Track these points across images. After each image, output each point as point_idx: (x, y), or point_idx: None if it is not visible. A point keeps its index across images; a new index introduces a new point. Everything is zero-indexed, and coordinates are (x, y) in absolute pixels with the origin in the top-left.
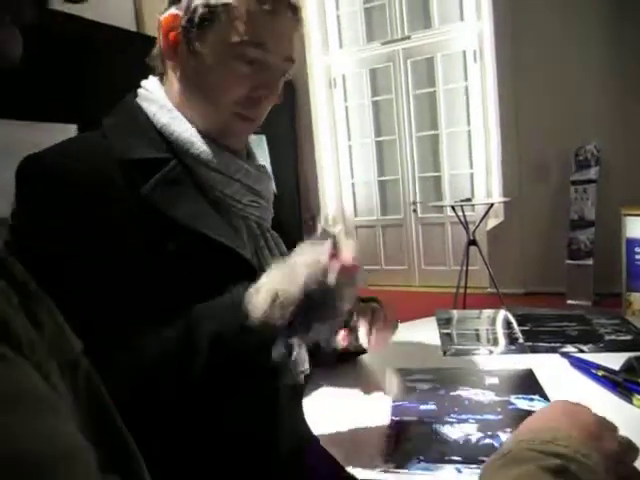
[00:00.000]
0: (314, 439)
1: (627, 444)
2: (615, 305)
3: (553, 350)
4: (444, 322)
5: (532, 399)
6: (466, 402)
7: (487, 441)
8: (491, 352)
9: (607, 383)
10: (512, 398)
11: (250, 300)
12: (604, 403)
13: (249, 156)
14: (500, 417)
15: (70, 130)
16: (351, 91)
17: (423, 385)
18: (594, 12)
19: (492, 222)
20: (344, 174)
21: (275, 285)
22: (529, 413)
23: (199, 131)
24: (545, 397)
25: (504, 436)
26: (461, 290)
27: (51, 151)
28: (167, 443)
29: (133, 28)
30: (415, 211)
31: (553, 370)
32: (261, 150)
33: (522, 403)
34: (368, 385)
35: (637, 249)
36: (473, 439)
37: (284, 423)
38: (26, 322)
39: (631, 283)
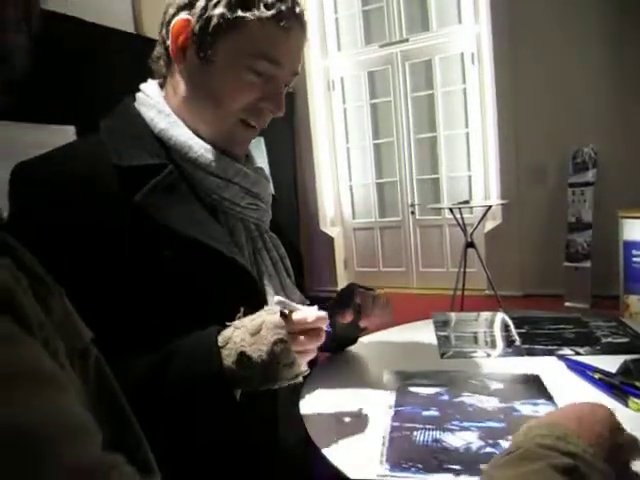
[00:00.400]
0: (311, 441)
1: (633, 442)
2: (613, 307)
3: (550, 353)
4: (441, 325)
5: (536, 404)
6: (470, 409)
7: (488, 449)
8: (489, 355)
9: (603, 386)
10: (516, 404)
11: (219, 352)
12: None
13: (247, 159)
14: (503, 425)
15: (68, 132)
16: (349, 93)
17: (427, 390)
18: (592, 14)
19: (490, 224)
20: (342, 176)
21: (242, 346)
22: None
23: (200, 137)
24: (552, 401)
25: (506, 444)
26: (459, 292)
27: (45, 157)
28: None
29: (131, 30)
30: (413, 213)
31: (550, 373)
32: (259, 152)
33: (526, 409)
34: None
35: (634, 251)
36: (474, 447)
37: (283, 424)
38: (35, 304)
39: (628, 285)
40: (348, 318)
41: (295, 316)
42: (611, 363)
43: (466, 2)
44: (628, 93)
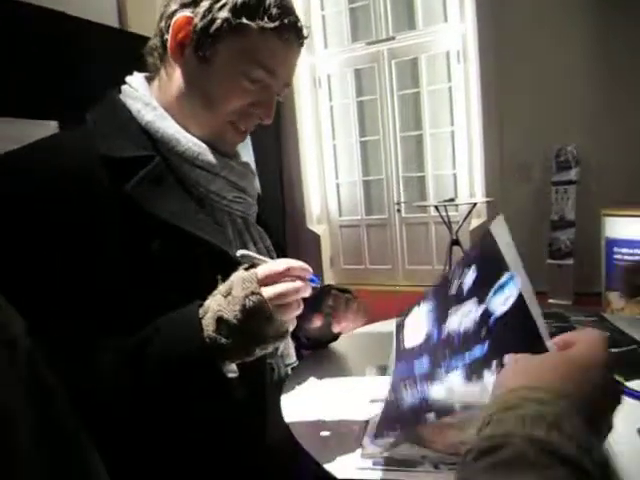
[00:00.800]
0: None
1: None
2: (595, 304)
3: None
4: None
5: (502, 286)
6: (455, 340)
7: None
8: None
9: None
10: (489, 301)
11: (199, 323)
12: None
13: (234, 154)
14: (485, 349)
15: (51, 126)
16: (336, 91)
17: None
18: (577, 14)
19: (475, 222)
20: (328, 174)
21: (219, 311)
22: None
23: (189, 133)
24: (508, 269)
25: (488, 375)
26: None
27: (29, 148)
28: (146, 441)
29: (115, 24)
30: (399, 211)
31: None
32: (246, 149)
33: (497, 301)
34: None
35: (616, 249)
36: (457, 391)
37: (271, 415)
38: None
39: (610, 282)
40: (317, 323)
41: (261, 270)
42: None
43: (452, 1)
44: (611, 92)
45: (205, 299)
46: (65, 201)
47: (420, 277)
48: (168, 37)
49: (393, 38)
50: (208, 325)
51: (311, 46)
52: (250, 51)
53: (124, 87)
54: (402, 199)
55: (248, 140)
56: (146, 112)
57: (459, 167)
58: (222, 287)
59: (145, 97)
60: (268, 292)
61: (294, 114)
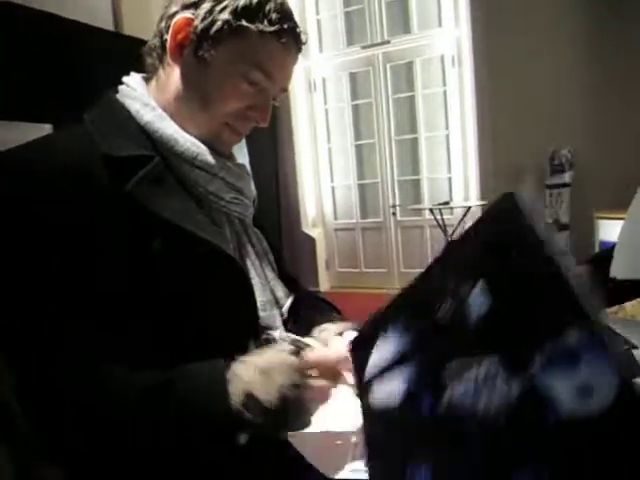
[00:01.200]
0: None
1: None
2: None
3: None
4: None
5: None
6: (476, 433)
7: None
8: None
9: None
10: (538, 371)
11: (225, 390)
12: None
13: (230, 156)
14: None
15: (44, 130)
16: (331, 94)
17: None
18: (570, 17)
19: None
20: (324, 177)
21: (250, 385)
22: None
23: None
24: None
25: None
26: None
27: (26, 147)
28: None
29: (110, 27)
30: (394, 214)
31: None
32: (241, 153)
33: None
34: None
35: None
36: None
37: None
38: None
39: None
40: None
41: (312, 355)
42: None
43: (446, 5)
44: (605, 96)
45: (203, 300)
46: (65, 200)
47: None
48: (168, 38)
49: (388, 42)
50: (234, 395)
51: (306, 50)
52: (249, 53)
53: (121, 87)
54: (397, 202)
55: (243, 142)
56: (145, 112)
57: (454, 170)
58: (258, 359)
59: (144, 97)
60: (311, 386)
61: (289, 117)
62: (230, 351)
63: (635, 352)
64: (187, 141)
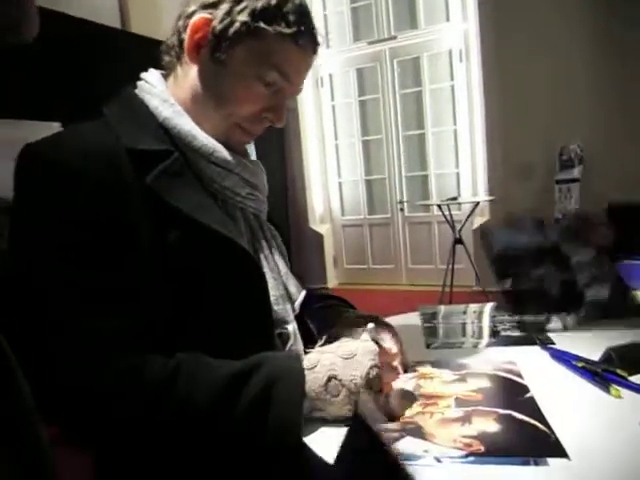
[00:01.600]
0: None
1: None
2: None
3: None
4: (427, 317)
5: None
6: None
7: None
8: (475, 345)
9: (586, 374)
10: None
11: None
12: (583, 393)
13: (245, 153)
14: None
15: (54, 128)
16: (338, 90)
17: None
18: (578, 11)
19: (478, 221)
20: (331, 173)
21: (333, 369)
22: None
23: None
24: None
25: None
26: (447, 288)
27: (60, 135)
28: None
29: (117, 25)
30: (402, 210)
31: (534, 361)
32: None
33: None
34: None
35: None
36: None
37: None
38: None
39: None
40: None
41: (387, 343)
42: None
43: (454, 0)
44: (614, 91)
45: (217, 291)
46: (99, 184)
47: (423, 276)
48: (185, 37)
49: (395, 37)
50: (316, 379)
51: None
52: (266, 54)
53: (140, 83)
54: (405, 198)
55: (251, 142)
56: (164, 108)
57: (462, 166)
58: (338, 349)
59: (163, 94)
60: (387, 368)
61: (297, 113)
62: (245, 342)
63: None
64: (204, 137)
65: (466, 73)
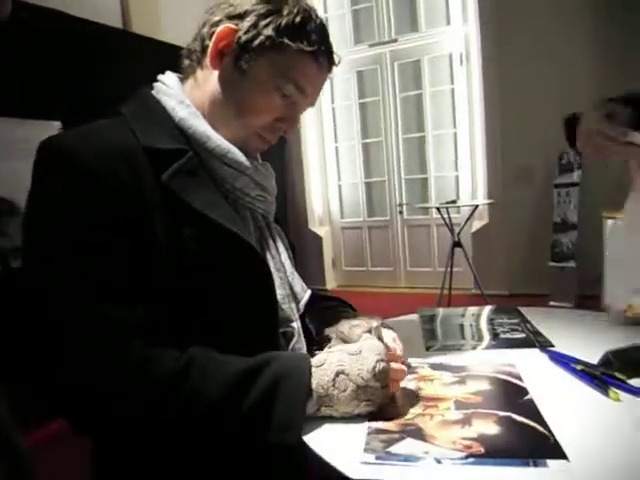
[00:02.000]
0: None
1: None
2: (597, 306)
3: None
4: (427, 319)
5: None
6: None
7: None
8: (474, 347)
9: (585, 377)
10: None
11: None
12: (582, 395)
13: (255, 156)
14: None
15: (54, 127)
16: (338, 93)
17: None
18: (579, 16)
19: (477, 224)
20: (331, 175)
21: (340, 365)
22: None
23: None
24: None
25: None
26: (446, 291)
27: (79, 131)
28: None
29: (119, 25)
30: (401, 213)
31: (533, 364)
32: None
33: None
34: None
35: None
36: None
37: None
38: None
39: None
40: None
41: (391, 343)
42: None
43: (454, 3)
44: (613, 95)
45: (226, 287)
46: (120, 179)
47: (421, 279)
48: (210, 44)
49: (395, 40)
50: (325, 375)
51: None
52: (286, 68)
53: (157, 84)
54: (404, 201)
55: None
56: (180, 109)
57: (461, 169)
58: (345, 347)
59: (179, 95)
60: (392, 366)
61: None
62: (250, 339)
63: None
64: (218, 139)
65: (466, 76)
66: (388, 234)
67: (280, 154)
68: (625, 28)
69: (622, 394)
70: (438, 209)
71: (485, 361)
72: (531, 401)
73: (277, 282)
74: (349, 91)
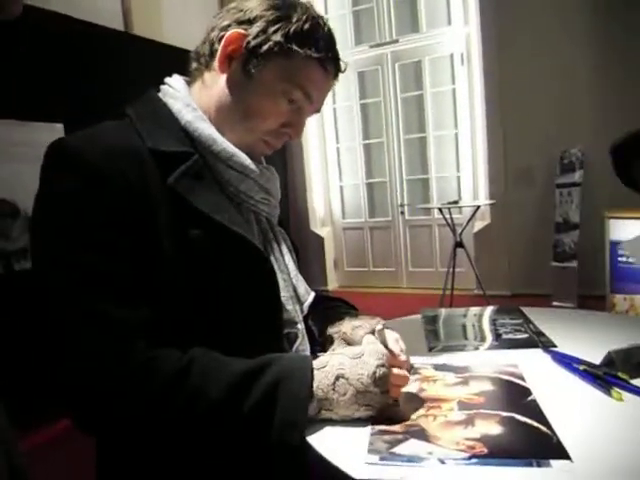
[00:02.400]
0: None
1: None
2: (599, 306)
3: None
4: (429, 320)
5: None
6: None
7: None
8: (477, 348)
9: (588, 377)
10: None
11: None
12: (585, 395)
13: (259, 159)
14: None
15: (56, 129)
16: (339, 94)
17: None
18: (579, 16)
19: (479, 224)
20: (332, 176)
21: (341, 369)
22: None
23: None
24: None
25: None
26: (448, 292)
27: (86, 133)
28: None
29: (120, 27)
30: (403, 213)
31: (536, 364)
32: None
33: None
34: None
35: (620, 251)
36: None
37: None
38: None
39: (614, 285)
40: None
41: (393, 347)
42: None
43: (455, 4)
44: (615, 95)
45: (231, 288)
46: (127, 180)
47: (423, 280)
48: (218, 47)
49: (397, 41)
50: (325, 378)
51: None
52: (293, 74)
53: (164, 87)
54: (406, 201)
55: None
56: (186, 112)
57: (463, 169)
58: (347, 351)
59: (186, 98)
60: (394, 371)
61: None
62: (255, 340)
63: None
64: (223, 142)
65: (467, 77)
66: (390, 235)
67: (281, 155)
68: (626, 27)
69: (625, 394)
70: (440, 209)
71: (488, 362)
72: (534, 401)
73: (281, 284)
74: (350, 92)
